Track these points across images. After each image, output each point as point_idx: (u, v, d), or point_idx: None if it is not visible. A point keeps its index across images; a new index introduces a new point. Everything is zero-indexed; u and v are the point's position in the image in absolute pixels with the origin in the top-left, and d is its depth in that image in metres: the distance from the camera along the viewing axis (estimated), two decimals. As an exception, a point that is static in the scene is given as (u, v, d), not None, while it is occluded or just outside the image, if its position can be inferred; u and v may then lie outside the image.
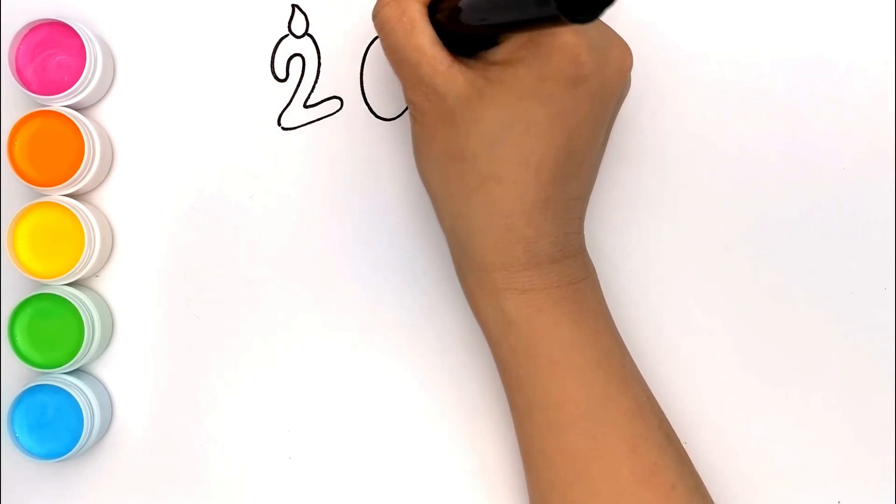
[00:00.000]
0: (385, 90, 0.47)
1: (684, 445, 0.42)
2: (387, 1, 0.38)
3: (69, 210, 0.44)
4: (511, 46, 0.37)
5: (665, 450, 0.40)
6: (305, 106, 0.47)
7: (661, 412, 0.42)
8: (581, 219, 0.41)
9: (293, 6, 0.47)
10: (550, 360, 0.39)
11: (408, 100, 0.39)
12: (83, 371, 0.47)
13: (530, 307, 0.39)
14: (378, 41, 0.47)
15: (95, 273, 0.47)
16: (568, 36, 0.36)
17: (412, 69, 0.38)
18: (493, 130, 0.37)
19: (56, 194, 0.45)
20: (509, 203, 0.38)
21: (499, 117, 0.37)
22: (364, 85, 0.47)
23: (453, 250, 0.41)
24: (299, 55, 0.47)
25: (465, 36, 0.38)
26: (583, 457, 0.39)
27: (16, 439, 0.44)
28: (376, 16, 0.39)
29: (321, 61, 0.47)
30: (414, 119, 0.39)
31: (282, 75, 0.47)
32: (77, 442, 0.44)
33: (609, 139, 0.42)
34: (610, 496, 0.39)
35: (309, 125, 0.47)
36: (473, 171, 0.38)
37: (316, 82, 0.47)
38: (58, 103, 0.45)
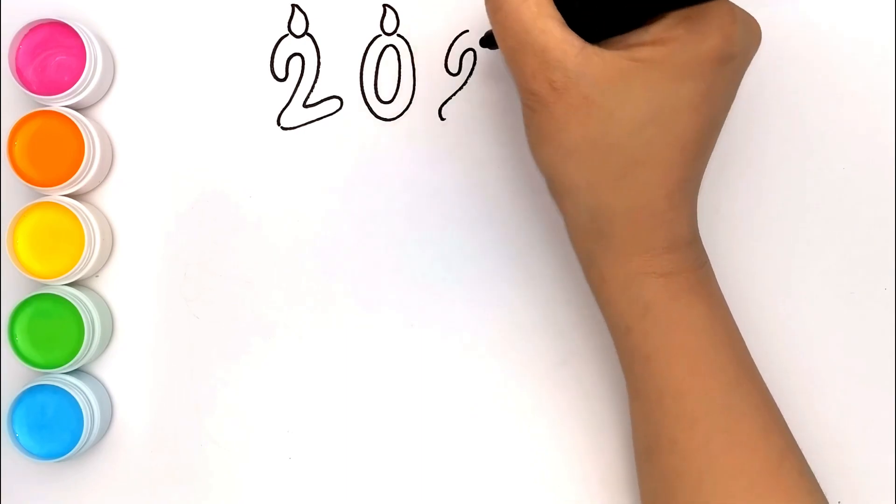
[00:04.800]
0: (385, 90, 0.47)
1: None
2: None
3: (69, 210, 0.44)
4: (665, 25, 0.35)
5: (790, 435, 0.39)
6: (305, 105, 0.47)
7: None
8: (697, 198, 0.40)
9: (293, 6, 0.47)
10: (685, 346, 0.38)
11: (528, 91, 0.36)
12: (83, 371, 0.47)
13: (668, 291, 0.38)
14: (378, 42, 0.47)
15: (95, 273, 0.47)
16: (724, 12, 0.35)
17: (537, 55, 0.35)
18: (642, 112, 0.35)
19: (56, 194, 0.45)
20: (656, 186, 0.36)
21: (649, 98, 0.35)
22: (364, 85, 0.47)
23: (584, 238, 0.39)
24: (299, 55, 0.47)
25: (603, 19, 0.35)
26: (717, 446, 0.38)
27: (16, 439, 0.44)
28: None
29: (321, 61, 0.47)
30: (533, 110, 0.36)
31: (281, 75, 0.47)
32: (77, 442, 0.44)
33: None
34: (742, 486, 0.38)
35: (308, 125, 0.47)
36: (620, 157, 0.36)
37: (315, 82, 0.47)
38: (58, 103, 0.45)
